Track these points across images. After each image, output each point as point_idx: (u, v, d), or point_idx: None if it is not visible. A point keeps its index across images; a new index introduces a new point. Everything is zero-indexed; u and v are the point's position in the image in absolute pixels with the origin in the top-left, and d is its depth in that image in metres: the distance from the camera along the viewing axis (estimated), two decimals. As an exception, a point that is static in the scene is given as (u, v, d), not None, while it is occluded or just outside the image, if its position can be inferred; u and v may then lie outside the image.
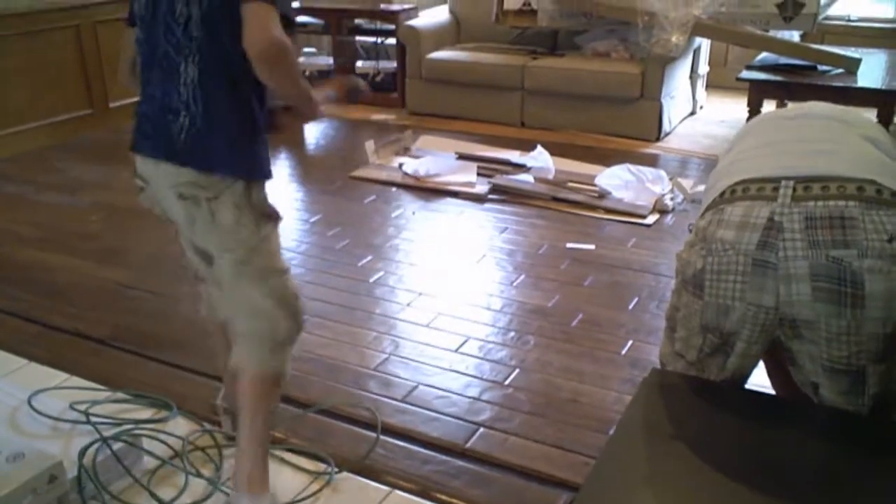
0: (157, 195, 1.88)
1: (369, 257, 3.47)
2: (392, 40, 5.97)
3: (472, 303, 3.07)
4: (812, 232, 1.18)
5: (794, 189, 1.19)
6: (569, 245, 3.57)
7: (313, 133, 5.71)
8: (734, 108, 5.52)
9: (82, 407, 2.30)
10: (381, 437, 2.29)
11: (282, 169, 4.97)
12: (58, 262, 3.45)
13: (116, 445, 2.11)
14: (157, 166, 1.81)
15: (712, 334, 1.36)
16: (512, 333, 2.85)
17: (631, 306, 3.03)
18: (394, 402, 2.46)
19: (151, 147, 1.83)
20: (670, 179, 4.14)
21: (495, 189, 4.14)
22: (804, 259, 1.19)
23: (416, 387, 2.54)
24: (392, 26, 5.90)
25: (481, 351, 2.74)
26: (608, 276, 3.29)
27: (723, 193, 1.26)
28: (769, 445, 1.26)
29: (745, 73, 4.34)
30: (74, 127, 5.28)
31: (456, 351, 2.73)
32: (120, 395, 2.44)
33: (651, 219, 3.82)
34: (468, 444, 2.26)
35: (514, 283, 3.23)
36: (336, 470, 2.14)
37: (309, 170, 4.93)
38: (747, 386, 1.51)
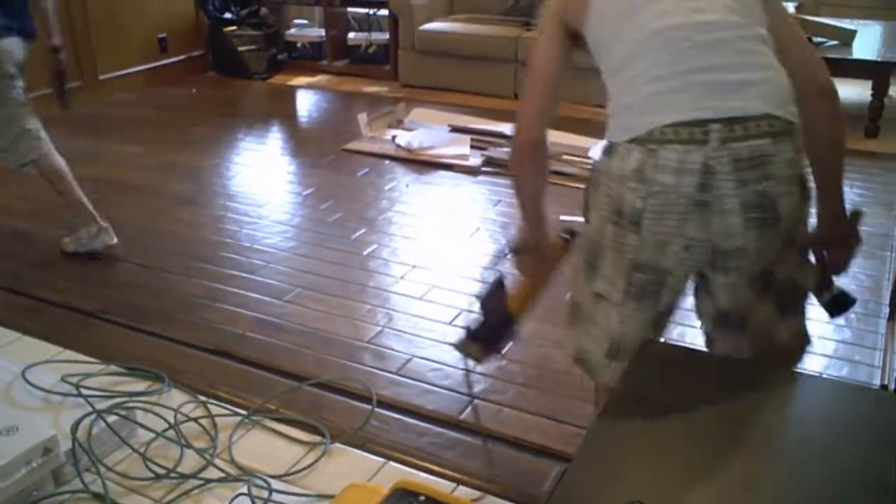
0: None
1: (363, 230, 3.45)
2: (384, 11, 5.91)
3: (466, 276, 3.06)
4: (740, 173, 1.33)
5: (720, 132, 1.33)
6: (562, 217, 3.54)
7: (305, 106, 5.67)
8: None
9: (74, 380, 2.29)
10: (376, 409, 2.29)
11: (273, 141, 4.94)
12: (47, 234, 3.42)
13: (110, 418, 2.11)
14: None
15: (643, 272, 1.43)
16: (506, 306, 2.84)
17: (625, 279, 3.02)
18: (388, 375, 2.46)
19: None
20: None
21: (489, 162, 4.12)
22: (735, 197, 1.34)
23: (410, 359, 2.54)
24: (383, -3, 5.84)
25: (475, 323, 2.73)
26: (602, 248, 3.28)
27: (651, 132, 1.35)
28: (762, 415, 1.26)
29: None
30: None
31: (450, 324, 2.73)
32: (112, 367, 2.43)
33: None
34: (462, 416, 2.27)
35: (508, 256, 3.21)
36: (330, 441, 2.14)
37: (301, 143, 4.90)
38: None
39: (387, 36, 5.95)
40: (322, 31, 6.23)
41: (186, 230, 3.49)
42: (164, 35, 5.91)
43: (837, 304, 1.62)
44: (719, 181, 1.33)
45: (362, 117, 4.65)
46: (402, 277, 3.05)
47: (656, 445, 1.20)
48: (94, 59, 5.39)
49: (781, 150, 1.34)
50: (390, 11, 5.71)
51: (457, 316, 2.77)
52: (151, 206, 3.76)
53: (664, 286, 1.47)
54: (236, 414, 2.25)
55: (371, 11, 6.26)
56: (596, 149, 4.03)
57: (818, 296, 1.60)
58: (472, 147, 4.27)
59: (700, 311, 1.61)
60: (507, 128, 4.48)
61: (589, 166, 3.96)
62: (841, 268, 1.59)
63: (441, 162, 4.16)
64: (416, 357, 2.55)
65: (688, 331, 2.67)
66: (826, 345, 2.60)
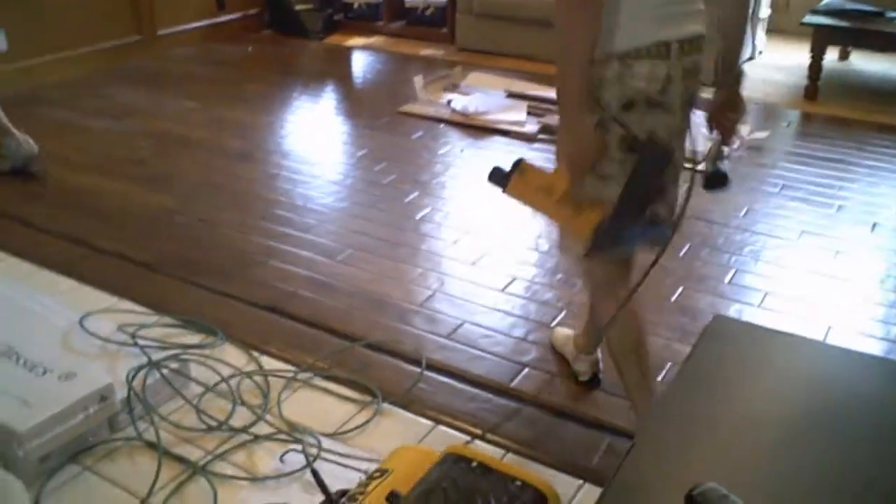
0: None
1: (416, 193, 3.43)
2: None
3: (518, 243, 3.02)
4: (685, 80, 1.73)
5: (678, 50, 1.70)
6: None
7: (360, 67, 5.64)
8: (795, 55, 5.32)
9: (130, 329, 2.32)
10: (425, 372, 2.28)
11: (328, 101, 4.92)
12: (107, 186, 3.46)
13: (165, 370, 2.13)
14: None
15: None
16: (559, 275, 2.81)
17: (682, 253, 2.96)
18: (438, 339, 2.44)
19: None
20: (726, 125, 4.02)
21: (545, 129, 4.05)
22: (679, 97, 1.75)
23: (461, 324, 2.52)
24: (443, -41, 5.75)
25: (528, 291, 2.71)
26: (659, 221, 3.21)
27: (628, 51, 1.68)
28: (844, 402, 1.21)
29: (809, 18, 4.18)
30: (124, 53, 5.26)
31: (502, 290, 2.70)
32: (167, 319, 2.46)
33: (704, 165, 3.71)
34: (513, 384, 2.25)
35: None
36: (381, 401, 2.14)
37: (355, 104, 4.88)
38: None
39: (445, -2, 5.87)
40: (379, -8, 6.17)
41: (241, 186, 3.50)
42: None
43: (717, 178, 2.02)
44: (673, 86, 1.72)
45: (418, 80, 4.61)
46: (454, 242, 3.03)
47: (725, 426, 1.16)
48: (152, 15, 5.41)
49: (703, 57, 1.77)
50: (450, -27, 5.62)
51: (509, 283, 2.74)
52: (207, 161, 3.78)
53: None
54: (287, 371, 2.26)
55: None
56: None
57: (705, 168, 2.00)
58: (529, 114, 4.20)
59: None
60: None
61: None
62: (731, 132, 2.00)
63: (496, 127, 4.11)
64: (468, 322, 2.53)
65: (746, 309, 2.62)
66: None
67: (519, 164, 1.82)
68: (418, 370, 2.29)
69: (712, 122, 1.98)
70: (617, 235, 1.72)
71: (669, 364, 2.32)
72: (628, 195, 1.70)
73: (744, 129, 3.96)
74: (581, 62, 1.68)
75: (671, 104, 1.73)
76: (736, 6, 1.91)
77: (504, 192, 1.81)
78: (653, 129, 1.72)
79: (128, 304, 2.55)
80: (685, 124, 1.86)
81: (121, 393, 2.02)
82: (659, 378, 2.22)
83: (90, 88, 4.77)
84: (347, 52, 5.80)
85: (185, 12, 5.65)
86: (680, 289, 2.73)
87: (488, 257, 2.92)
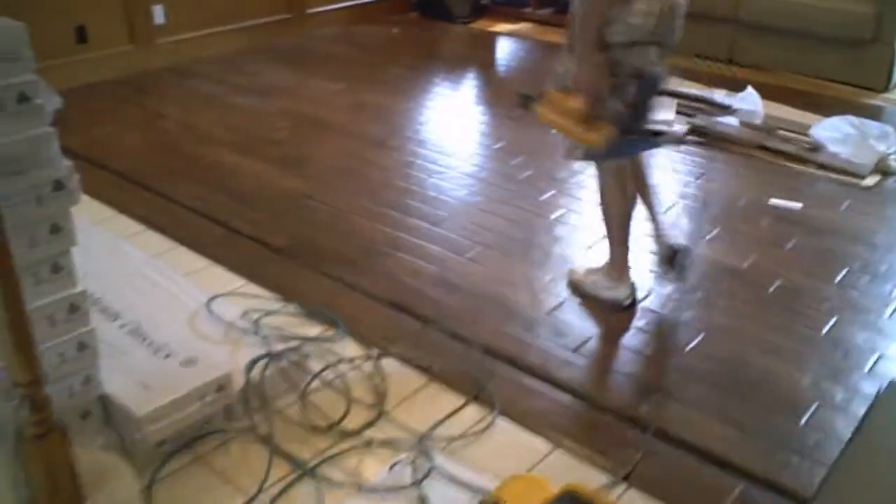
0: None
1: (552, 192, 3.30)
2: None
3: (656, 253, 2.84)
4: (677, 19, 2.19)
5: None
6: (772, 201, 3.23)
7: (504, 54, 5.53)
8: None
9: (255, 316, 2.32)
10: (548, 388, 2.16)
11: (469, 89, 4.84)
12: (245, 165, 3.51)
13: (284, 362, 2.11)
14: None
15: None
16: (699, 293, 2.62)
17: (838, 278, 2.70)
18: (564, 353, 2.32)
19: None
20: (899, 137, 3.67)
21: (695, 130, 3.82)
22: (673, 33, 2.19)
23: (589, 339, 2.38)
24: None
25: (664, 308, 2.54)
26: (815, 240, 2.95)
27: None
28: None
29: None
30: (271, 31, 5.36)
31: (636, 305, 2.54)
32: (291, 307, 2.45)
33: (871, 180, 3.40)
34: (640, 411, 2.09)
35: (707, 237, 2.97)
36: (498, 413, 2.04)
37: (497, 93, 4.77)
38: None
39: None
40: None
41: (375, 173, 3.47)
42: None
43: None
44: (665, 22, 2.13)
45: (560, 71, 4.43)
46: (589, 247, 2.88)
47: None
48: (301, -6, 5.49)
49: None
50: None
51: (644, 297, 2.57)
52: (343, 145, 3.78)
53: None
54: (405, 373, 2.19)
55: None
56: (818, 127, 3.65)
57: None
58: (678, 113, 3.97)
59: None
60: (720, 95, 4.14)
61: (807, 145, 3.60)
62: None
63: (641, 126, 3.90)
64: (597, 337, 2.39)
65: (881, 363, 2.34)
66: None
67: (543, 91, 2.28)
68: (540, 384, 2.17)
69: None
70: (620, 146, 2.22)
71: (816, 405, 2.11)
72: (631, 115, 2.18)
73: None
74: (599, 13, 2.09)
75: (664, 37, 2.15)
76: None
77: (532, 110, 2.29)
78: (650, 60, 2.15)
79: (256, 289, 2.56)
80: (671, 53, 2.24)
81: (239, 381, 2.02)
82: (802, 420, 2.02)
83: (239, 64, 4.88)
84: (492, 37, 5.69)
85: (335, -8, 5.70)
86: (833, 319, 2.48)
87: (623, 267, 2.76)
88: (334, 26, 5.64)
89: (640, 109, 2.21)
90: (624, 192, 2.40)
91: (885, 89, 4.48)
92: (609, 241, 2.50)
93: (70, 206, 1.66)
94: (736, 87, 4.23)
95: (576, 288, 2.60)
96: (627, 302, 2.51)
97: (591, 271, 2.61)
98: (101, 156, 3.54)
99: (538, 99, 2.27)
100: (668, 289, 2.63)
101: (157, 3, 4.73)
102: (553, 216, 3.10)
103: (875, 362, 2.29)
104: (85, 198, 3.19)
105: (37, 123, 1.56)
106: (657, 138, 2.20)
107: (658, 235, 2.56)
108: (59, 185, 1.60)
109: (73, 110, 3.87)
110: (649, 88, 2.20)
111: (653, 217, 2.56)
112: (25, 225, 1.58)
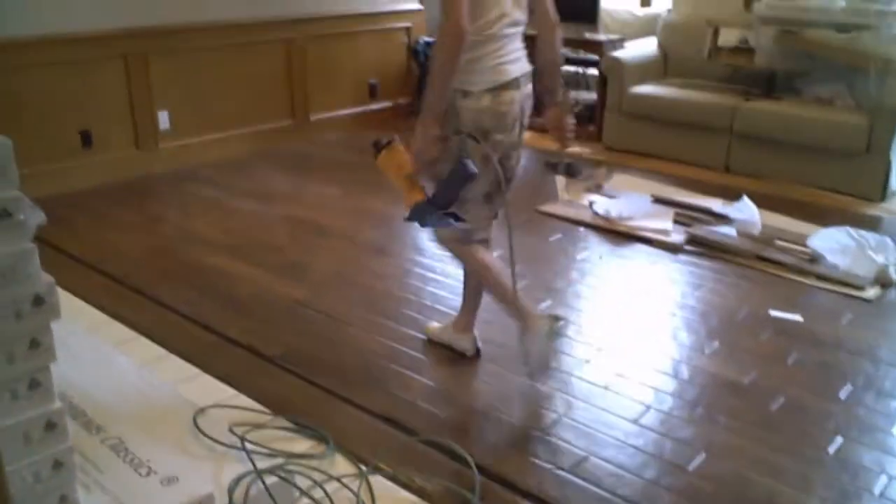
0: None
1: (549, 302, 3.27)
2: (593, 71, 5.75)
3: (656, 367, 2.79)
4: (524, 105, 2.47)
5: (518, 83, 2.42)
6: (773, 313, 3.20)
7: (503, 160, 5.59)
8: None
9: (241, 430, 2.25)
10: (544, 511, 2.08)
11: (468, 195, 4.87)
12: (241, 271, 3.50)
13: (269, 480, 2.04)
14: None
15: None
16: (700, 409, 2.55)
17: (843, 395, 2.64)
18: (560, 473, 2.23)
19: None
20: (897, 248, 3.66)
21: (693, 240, 3.82)
22: (521, 118, 2.48)
23: (586, 458, 2.30)
24: (596, 57, 5.68)
25: (663, 426, 2.46)
26: (817, 354, 2.90)
27: (502, 84, 2.38)
28: None
29: None
30: (275, 136, 5.45)
31: (635, 422, 2.48)
32: (280, 421, 2.38)
33: (871, 292, 3.37)
34: (640, 537, 2.01)
35: (707, 351, 2.92)
36: (491, 543, 1.95)
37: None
38: None
39: (593, 95, 5.78)
40: (528, 87, 6.16)
41: (373, 281, 3.45)
42: (375, 81, 6.06)
43: (571, 170, 3.15)
44: (517, 109, 2.44)
45: (559, 179, 4.49)
46: (586, 361, 2.83)
47: None
48: (306, 101, 5.60)
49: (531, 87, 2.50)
50: (600, 71, 5.54)
51: (643, 414, 2.51)
52: (342, 251, 3.77)
53: (495, 164, 2.45)
54: (395, 491, 2.11)
55: (580, 70, 6.12)
56: (816, 237, 3.65)
57: (557, 166, 3.13)
58: (676, 222, 3.98)
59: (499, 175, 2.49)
60: (716, 204, 4.16)
61: (806, 256, 3.59)
62: (569, 133, 2.63)
63: (640, 235, 3.91)
64: (594, 456, 2.31)
65: (892, 485, 2.26)
66: None
67: (391, 141, 2.42)
68: (536, 507, 2.09)
69: (552, 133, 2.67)
70: (423, 216, 2.40)
71: (826, 533, 2.02)
72: (437, 194, 2.37)
73: None
74: (445, 89, 2.30)
75: (486, 135, 2.40)
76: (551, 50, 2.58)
77: (376, 162, 2.43)
78: (467, 151, 2.38)
79: (245, 400, 2.50)
80: (520, 139, 2.55)
81: (222, 501, 1.93)
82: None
83: (241, 169, 4.94)
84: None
85: (338, 99, 5.83)
86: (839, 439, 2.41)
87: (622, 381, 2.70)
88: (337, 132, 5.74)
89: (443, 190, 2.36)
90: (475, 259, 2.64)
91: (882, 199, 4.50)
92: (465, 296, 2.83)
93: (50, 321, 1.63)
94: (731, 195, 4.25)
95: (431, 340, 2.91)
96: (470, 354, 2.81)
97: (441, 327, 2.93)
98: (99, 260, 3.54)
99: (386, 146, 2.42)
100: (667, 405, 2.56)
101: (163, 109, 4.83)
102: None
103: (886, 485, 2.20)
104: (79, 303, 3.21)
105: (18, 239, 1.54)
106: (452, 223, 2.38)
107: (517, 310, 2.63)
108: (39, 301, 1.57)
109: (74, 213, 3.90)
110: (457, 177, 2.33)
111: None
112: (4, 340, 1.54)
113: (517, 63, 2.42)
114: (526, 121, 2.51)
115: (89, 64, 4.48)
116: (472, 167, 2.30)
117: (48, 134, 4.34)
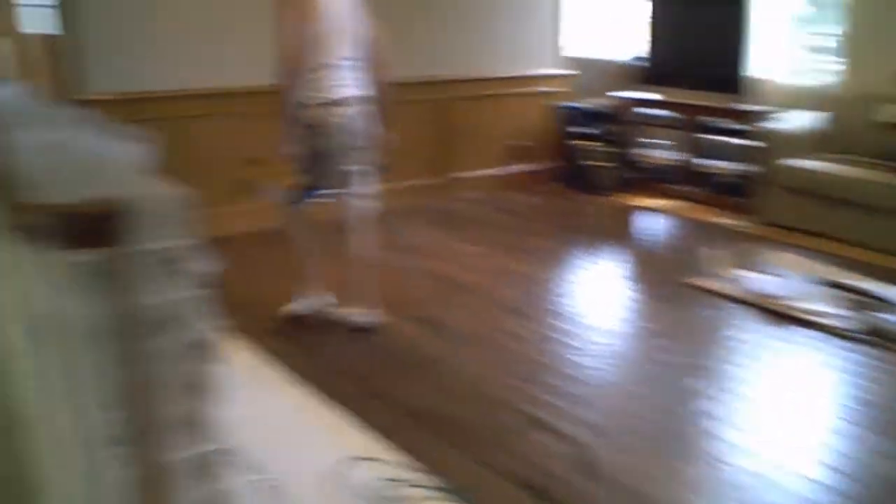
0: None
1: (694, 379, 3.08)
2: (748, 141, 5.53)
3: (816, 461, 2.55)
4: (342, 125, 3.31)
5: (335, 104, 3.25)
6: None
7: (647, 229, 5.44)
8: None
9: (384, 488, 2.21)
10: None
11: (609, 263, 4.76)
12: (384, 325, 3.49)
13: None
14: None
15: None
16: (867, 514, 2.30)
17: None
18: (712, 568, 2.06)
19: None
20: None
21: (866, 329, 3.49)
22: (347, 133, 3.35)
23: (740, 555, 2.11)
24: (741, 126, 5.45)
25: (828, 527, 2.24)
26: None
27: (323, 103, 3.24)
28: None
29: None
30: (419, 193, 5.51)
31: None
32: (426, 479, 2.31)
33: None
34: None
35: (877, 450, 2.65)
36: None
37: (638, 269, 4.67)
38: None
39: (747, 167, 5.54)
40: (675, 154, 5.98)
41: (509, 342, 3.38)
42: (516, 143, 6.07)
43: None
44: (333, 124, 3.24)
45: (708, 251, 4.29)
46: (732, 446, 2.62)
47: None
48: (449, 160, 5.66)
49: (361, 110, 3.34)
50: (756, 142, 5.31)
51: (805, 512, 2.28)
52: (479, 309, 3.72)
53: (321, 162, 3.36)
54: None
55: (733, 140, 5.90)
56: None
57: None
58: (844, 307, 3.67)
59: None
60: (892, 291, 3.82)
61: None
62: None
63: (800, 317, 3.64)
64: (749, 554, 2.12)
65: None
66: None
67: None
68: None
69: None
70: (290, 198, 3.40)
71: None
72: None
73: None
74: (288, 108, 3.24)
75: (327, 132, 3.25)
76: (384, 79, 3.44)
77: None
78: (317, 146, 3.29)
79: (388, 453, 2.48)
80: (344, 142, 3.30)
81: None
82: None
83: (386, 223, 4.99)
84: (635, 212, 5.64)
85: (480, 159, 5.86)
86: None
87: (778, 472, 2.48)
88: (479, 191, 5.76)
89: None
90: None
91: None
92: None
93: (210, 365, 1.64)
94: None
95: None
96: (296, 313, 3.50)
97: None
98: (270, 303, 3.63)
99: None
100: (824, 499, 2.33)
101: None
102: (695, 406, 2.87)
103: None
104: (244, 342, 3.28)
105: (186, 286, 1.57)
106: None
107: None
108: (200, 345, 1.59)
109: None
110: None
111: None
112: (165, 384, 1.56)
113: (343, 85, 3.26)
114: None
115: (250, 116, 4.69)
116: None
117: (211, 179, 4.53)
